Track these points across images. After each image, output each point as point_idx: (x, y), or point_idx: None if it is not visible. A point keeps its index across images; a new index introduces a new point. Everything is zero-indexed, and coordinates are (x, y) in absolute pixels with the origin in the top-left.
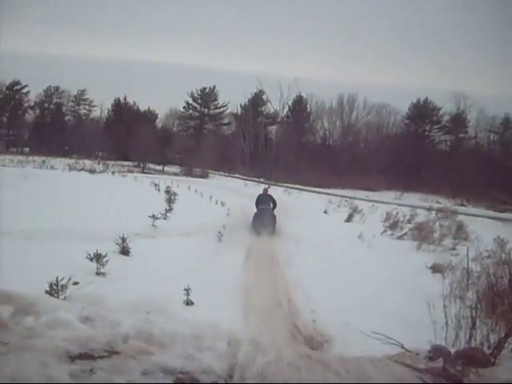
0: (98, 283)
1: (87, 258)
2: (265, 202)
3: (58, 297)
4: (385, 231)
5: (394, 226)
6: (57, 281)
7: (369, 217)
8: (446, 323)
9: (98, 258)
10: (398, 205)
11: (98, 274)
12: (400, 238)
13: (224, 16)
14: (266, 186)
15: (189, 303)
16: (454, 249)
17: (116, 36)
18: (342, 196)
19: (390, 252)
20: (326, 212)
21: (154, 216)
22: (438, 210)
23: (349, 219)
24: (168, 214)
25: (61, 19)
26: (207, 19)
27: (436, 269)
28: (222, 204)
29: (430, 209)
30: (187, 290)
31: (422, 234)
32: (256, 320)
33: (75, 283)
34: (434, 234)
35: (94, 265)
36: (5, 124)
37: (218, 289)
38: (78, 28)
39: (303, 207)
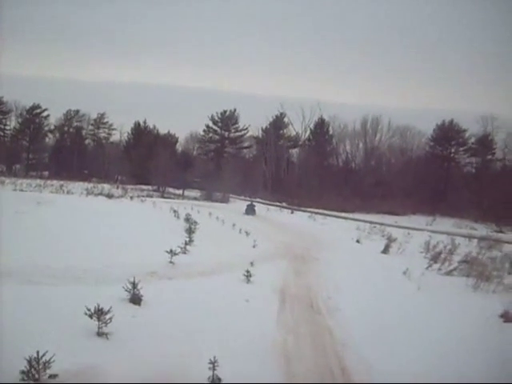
0: (97, 350)
1: (86, 314)
2: (250, 205)
3: (38, 378)
4: (430, 266)
5: (436, 257)
6: (38, 357)
7: (406, 246)
8: None
9: (99, 314)
10: (432, 231)
11: (99, 334)
12: (449, 273)
13: (244, 39)
14: (251, 202)
15: (215, 380)
16: None
17: (136, 59)
18: (371, 222)
19: (444, 294)
20: (358, 242)
21: (172, 251)
22: (481, 239)
23: (385, 250)
24: (188, 247)
25: (80, 43)
26: (228, 43)
27: (509, 318)
28: (247, 233)
29: (470, 237)
30: (213, 363)
31: (475, 270)
32: None
33: (51, 376)
34: (487, 268)
35: (96, 322)
36: (25, 148)
37: (250, 353)
38: (97, 51)
39: (332, 236)
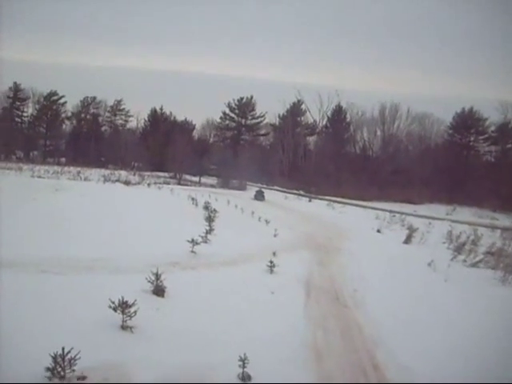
0: (121, 345)
1: (110, 307)
2: (259, 191)
3: (64, 375)
4: (455, 257)
5: (460, 248)
6: (63, 353)
7: (427, 236)
8: None
9: (123, 307)
10: (452, 221)
11: (123, 328)
12: (474, 265)
13: (262, 26)
14: (260, 188)
15: (245, 378)
16: None
17: (152, 46)
18: (390, 211)
19: (472, 287)
20: (379, 231)
21: (193, 240)
22: (504, 229)
23: (407, 240)
24: (209, 236)
25: (97, 30)
26: (245, 29)
27: None
28: (267, 222)
29: (492, 227)
30: (243, 361)
31: (502, 262)
32: None
33: (80, 378)
34: None
35: (119, 315)
36: (42, 134)
37: (279, 350)
38: (113, 39)
39: (352, 225)
